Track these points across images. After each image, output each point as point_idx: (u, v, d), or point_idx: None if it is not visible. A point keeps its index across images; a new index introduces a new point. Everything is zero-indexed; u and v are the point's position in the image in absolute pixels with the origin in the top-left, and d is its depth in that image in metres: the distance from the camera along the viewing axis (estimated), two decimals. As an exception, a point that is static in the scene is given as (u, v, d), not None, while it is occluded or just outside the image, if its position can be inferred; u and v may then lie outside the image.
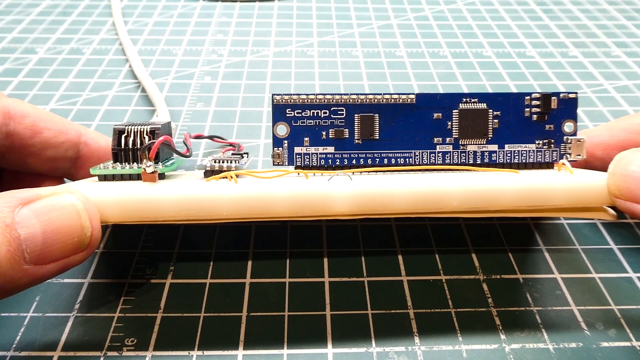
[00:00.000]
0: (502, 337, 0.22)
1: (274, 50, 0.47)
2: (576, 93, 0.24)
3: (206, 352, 0.21)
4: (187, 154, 0.23)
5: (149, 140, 0.23)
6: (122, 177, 0.22)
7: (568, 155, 0.24)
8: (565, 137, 0.24)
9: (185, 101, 0.39)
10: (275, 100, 0.23)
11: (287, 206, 0.20)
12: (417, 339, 0.22)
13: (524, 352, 0.22)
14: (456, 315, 0.23)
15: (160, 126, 0.23)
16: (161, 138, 0.21)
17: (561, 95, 0.24)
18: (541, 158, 0.24)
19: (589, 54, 0.47)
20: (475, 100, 0.23)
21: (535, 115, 0.24)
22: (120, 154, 0.23)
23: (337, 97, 0.23)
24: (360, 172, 0.23)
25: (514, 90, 0.41)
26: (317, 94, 0.23)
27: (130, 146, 0.23)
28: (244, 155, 0.25)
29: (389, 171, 0.23)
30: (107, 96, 0.39)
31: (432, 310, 0.23)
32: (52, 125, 0.25)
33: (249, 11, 0.54)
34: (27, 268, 0.18)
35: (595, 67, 0.45)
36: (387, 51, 0.47)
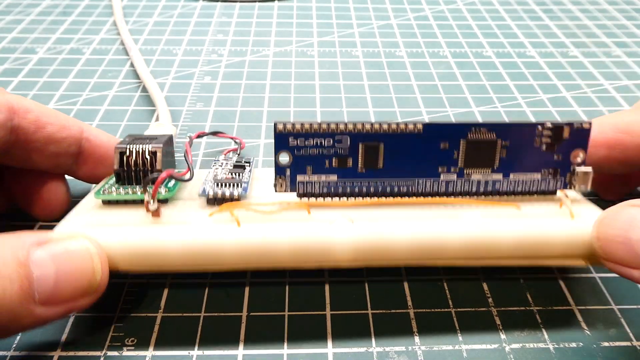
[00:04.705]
0: (502, 337, 0.22)
1: (274, 50, 0.47)
2: (590, 123, 0.23)
3: (206, 352, 0.21)
4: (188, 176, 0.23)
5: (151, 160, 0.23)
6: (125, 202, 0.23)
7: (573, 186, 0.23)
8: (572, 167, 0.23)
9: (185, 101, 0.39)
10: (277, 130, 0.22)
11: (289, 256, 0.21)
12: (417, 339, 0.22)
13: (524, 352, 0.22)
14: (456, 315, 0.23)
15: (161, 146, 0.23)
16: (163, 174, 0.21)
17: (575, 125, 0.22)
18: (545, 187, 0.23)
19: (589, 54, 0.47)
20: (484, 130, 0.22)
21: (545, 145, 0.23)
22: (123, 174, 0.23)
23: (342, 126, 0.22)
24: (363, 201, 0.23)
25: (514, 90, 0.41)
26: (321, 122, 0.22)
27: (133, 167, 0.23)
28: (245, 165, 0.25)
29: (390, 204, 0.23)
30: (107, 96, 0.39)
31: (432, 310, 0.23)
32: (55, 120, 0.25)
33: (249, 11, 0.54)
34: (34, 308, 0.18)
35: (595, 67, 0.45)
36: (387, 51, 0.47)
